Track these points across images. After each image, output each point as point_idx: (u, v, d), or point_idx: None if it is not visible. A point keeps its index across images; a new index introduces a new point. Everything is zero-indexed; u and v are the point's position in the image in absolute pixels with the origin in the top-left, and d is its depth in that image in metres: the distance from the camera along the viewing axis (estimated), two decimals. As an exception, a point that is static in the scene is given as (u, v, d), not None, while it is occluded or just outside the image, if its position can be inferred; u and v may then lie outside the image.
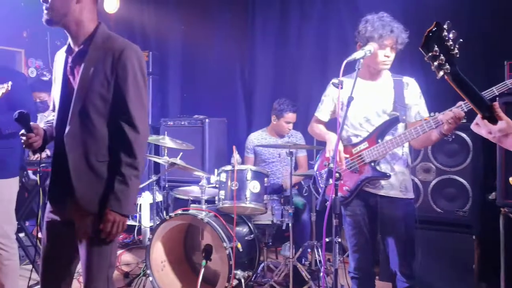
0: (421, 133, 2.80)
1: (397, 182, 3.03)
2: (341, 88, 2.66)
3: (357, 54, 2.76)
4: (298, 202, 4.61)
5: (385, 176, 2.97)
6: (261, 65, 5.92)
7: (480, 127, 1.80)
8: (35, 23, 5.60)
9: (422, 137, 2.84)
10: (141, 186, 4.43)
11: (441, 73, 1.61)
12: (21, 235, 4.60)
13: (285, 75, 5.77)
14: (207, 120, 5.45)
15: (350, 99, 2.69)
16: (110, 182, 2.25)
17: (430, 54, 1.60)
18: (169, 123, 5.64)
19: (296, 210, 4.45)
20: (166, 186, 4.83)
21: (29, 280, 3.49)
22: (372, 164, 3.00)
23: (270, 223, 4.09)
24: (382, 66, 3.01)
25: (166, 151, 4.43)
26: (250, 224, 4.09)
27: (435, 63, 1.60)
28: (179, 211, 3.89)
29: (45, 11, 2.23)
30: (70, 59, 2.34)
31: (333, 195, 2.60)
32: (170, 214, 3.88)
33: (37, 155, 4.47)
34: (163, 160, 4.26)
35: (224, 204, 3.87)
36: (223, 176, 3.95)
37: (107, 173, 2.27)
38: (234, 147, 3.97)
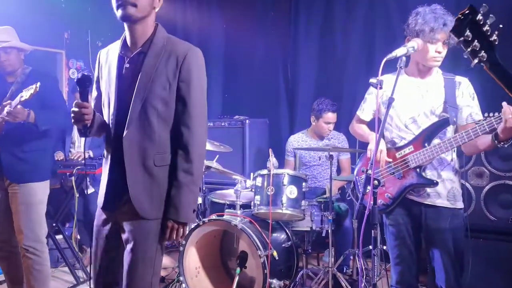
0: (473, 137, 2.53)
1: (444, 191, 2.77)
2: (380, 88, 2.44)
3: (399, 51, 2.50)
4: (340, 207, 4.39)
5: (432, 183, 2.72)
6: (304, 64, 5.72)
7: None
8: (76, 24, 5.62)
9: (473, 142, 2.59)
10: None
11: (476, 60, 1.43)
12: (59, 237, 4.58)
13: (329, 73, 5.53)
14: (247, 121, 5.32)
15: (391, 100, 2.47)
16: (168, 188, 2.23)
17: (461, 38, 1.43)
18: (209, 124, 5.50)
19: (338, 216, 4.25)
20: (204, 188, 4.71)
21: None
22: (418, 170, 2.75)
23: (309, 229, 3.89)
24: (433, 62, 2.75)
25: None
26: (287, 231, 3.89)
27: (468, 49, 1.43)
28: (213, 216, 3.74)
29: (127, 6, 2.14)
30: (127, 60, 2.28)
31: (372, 203, 2.40)
32: (204, 219, 3.73)
33: (78, 154, 4.47)
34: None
35: (259, 210, 3.70)
36: (258, 181, 3.77)
37: (165, 178, 2.24)
38: (270, 150, 3.78)
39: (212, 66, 6.34)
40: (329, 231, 3.79)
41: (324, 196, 4.10)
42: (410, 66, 2.86)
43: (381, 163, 2.81)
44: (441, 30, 2.66)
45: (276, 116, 5.90)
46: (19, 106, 3.20)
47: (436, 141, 2.73)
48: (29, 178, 3.42)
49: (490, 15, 1.43)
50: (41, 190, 3.49)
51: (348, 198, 4.51)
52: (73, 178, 4.23)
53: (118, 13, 2.17)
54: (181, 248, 3.74)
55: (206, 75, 6.69)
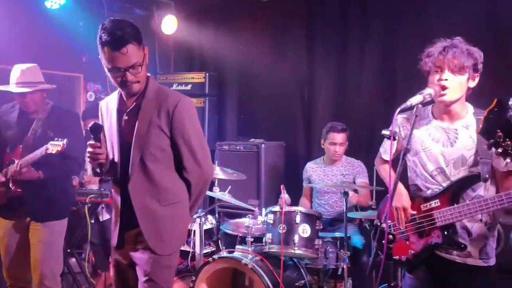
0: None
1: (475, 250, 2.45)
2: (394, 139, 2.28)
3: (414, 99, 2.28)
4: (357, 241, 4.19)
5: (459, 247, 2.42)
6: (321, 87, 5.57)
7: None
8: (94, 47, 5.52)
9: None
10: (195, 216, 4.37)
11: (508, 159, 1.28)
12: (72, 260, 4.61)
13: (347, 98, 5.38)
14: (263, 145, 5.23)
15: (406, 150, 2.31)
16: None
17: (491, 141, 1.28)
18: (224, 147, 5.47)
19: (355, 251, 4.06)
20: (217, 216, 4.70)
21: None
22: (445, 230, 2.43)
23: (322, 267, 3.77)
24: (437, 97, 2.40)
25: (217, 181, 4.29)
26: (301, 268, 3.77)
27: (499, 150, 1.28)
28: (224, 253, 3.68)
29: (134, 84, 2.40)
30: (125, 114, 2.52)
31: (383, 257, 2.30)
32: (214, 256, 3.66)
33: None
34: (212, 194, 4.19)
35: (270, 249, 3.61)
36: (270, 217, 3.67)
37: (173, 215, 2.53)
38: (282, 186, 3.67)
39: (228, 87, 6.32)
40: (345, 268, 3.67)
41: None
42: (436, 106, 2.55)
43: (401, 223, 2.56)
44: (439, 54, 2.38)
45: (293, 139, 5.77)
46: (25, 169, 3.30)
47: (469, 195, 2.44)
48: (50, 217, 3.47)
49: None
50: (60, 228, 3.56)
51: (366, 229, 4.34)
52: (86, 207, 4.24)
53: (124, 90, 2.46)
54: (191, 284, 3.67)
55: (223, 96, 6.65)
